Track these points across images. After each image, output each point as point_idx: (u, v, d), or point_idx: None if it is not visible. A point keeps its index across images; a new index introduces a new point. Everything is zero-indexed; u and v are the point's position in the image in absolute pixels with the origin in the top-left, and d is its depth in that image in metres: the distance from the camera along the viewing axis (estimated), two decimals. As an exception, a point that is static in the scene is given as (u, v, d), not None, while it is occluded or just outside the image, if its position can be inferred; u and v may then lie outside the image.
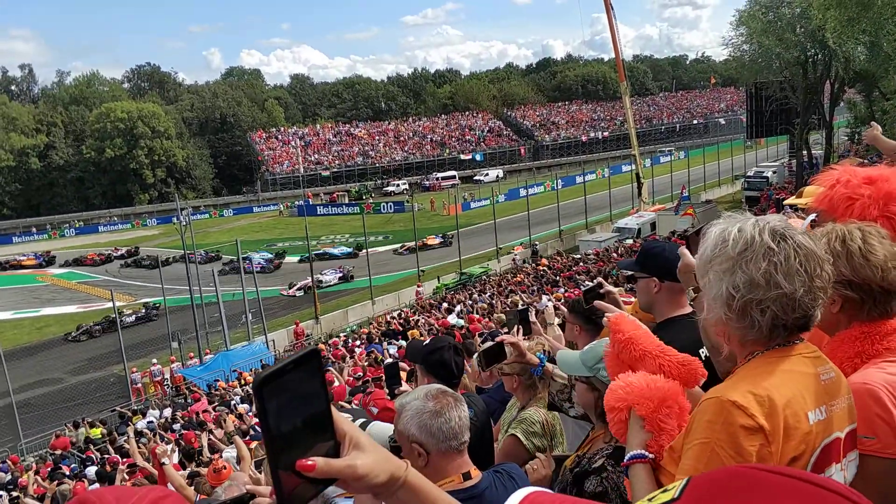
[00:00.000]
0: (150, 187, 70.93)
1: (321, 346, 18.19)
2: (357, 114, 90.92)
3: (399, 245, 38.99)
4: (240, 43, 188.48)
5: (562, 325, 4.48)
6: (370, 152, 77.65)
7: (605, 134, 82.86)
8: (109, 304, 21.73)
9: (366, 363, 13.20)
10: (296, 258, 39.73)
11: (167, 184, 71.51)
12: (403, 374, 5.73)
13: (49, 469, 12.45)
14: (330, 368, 13.47)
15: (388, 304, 27.25)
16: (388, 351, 14.26)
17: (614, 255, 23.07)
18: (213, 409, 13.61)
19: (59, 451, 14.58)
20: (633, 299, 3.29)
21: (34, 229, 62.75)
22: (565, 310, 4.60)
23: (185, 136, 76.95)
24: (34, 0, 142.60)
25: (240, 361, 19.32)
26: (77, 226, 64.05)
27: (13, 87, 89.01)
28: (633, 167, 39.65)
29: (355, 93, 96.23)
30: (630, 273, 2.89)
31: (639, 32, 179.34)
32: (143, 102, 75.74)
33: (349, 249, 38.62)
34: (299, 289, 30.35)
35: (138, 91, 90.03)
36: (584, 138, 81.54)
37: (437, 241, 37.74)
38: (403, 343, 14.48)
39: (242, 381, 15.87)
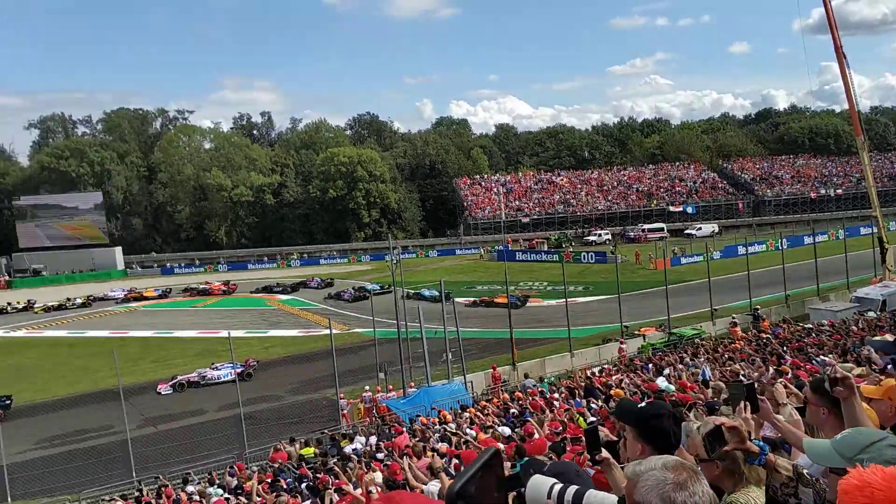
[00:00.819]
0: (366, 226, 77.58)
1: (518, 393, 18.51)
2: (559, 162, 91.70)
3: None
4: (449, 94, 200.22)
5: (800, 409, 4.23)
6: (571, 200, 77.67)
7: (839, 191, 74.88)
8: (327, 331, 24.07)
9: (565, 418, 13.21)
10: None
11: (380, 223, 77.75)
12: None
13: (270, 480, 13.98)
14: (529, 420, 13.70)
15: (587, 357, 26.87)
16: (587, 409, 14.11)
17: (853, 328, 20.65)
18: (414, 443, 14.42)
19: (277, 464, 16.33)
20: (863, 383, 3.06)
21: (266, 258, 71.63)
22: (802, 390, 4.35)
23: (398, 180, 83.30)
24: (275, 57, 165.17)
25: (439, 399, 20.25)
26: (301, 257, 71.79)
27: (255, 132, 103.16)
28: (875, 230, 35.33)
29: (558, 141, 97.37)
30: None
31: (876, 82, 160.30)
32: (363, 148, 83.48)
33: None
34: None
35: (359, 138, 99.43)
36: (812, 195, 74.39)
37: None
38: (603, 403, 14.26)
39: (442, 419, 16.66)
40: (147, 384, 28.66)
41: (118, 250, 70.82)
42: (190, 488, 14.78)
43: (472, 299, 41.96)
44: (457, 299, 33.82)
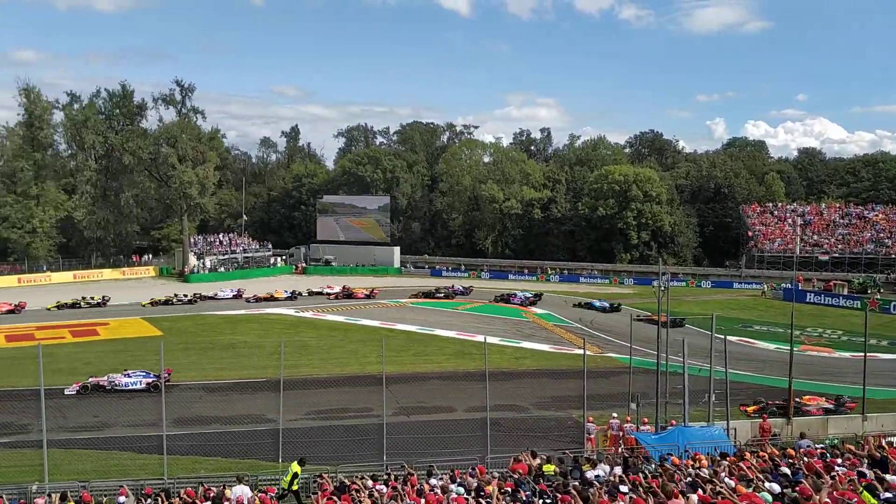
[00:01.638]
0: (633, 248, 75.34)
1: (790, 450, 16.17)
2: (875, 195, 79.97)
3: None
4: (746, 114, 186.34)
5: None
6: (886, 240, 66.78)
7: None
8: (579, 351, 23.66)
9: (848, 488, 11.14)
10: (771, 345, 37.36)
11: (650, 247, 74.88)
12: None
13: (509, 489, 14.01)
14: (803, 481, 11.84)
15: (883, 424, 22.79)
16: (878, 483, 11.70)
17: None
18: (664, 482, 13.37)
19: (517, 475, 16.35)
20: None
21: (526, 271, 73.50)
22: None
23: (675, 202, 79.45)
24: (558, 73, 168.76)
25: (695, 441, 18.59)
26: (561, 273, 72.21)
27: (532, 147, 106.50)
28: None
29: (876, 171, 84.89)
30: None
31: None
32: (640, 167, 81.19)
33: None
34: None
35: (638, 156, 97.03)
36: None
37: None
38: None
39: (697, 465, 15.25)
40: (409, 375, 30.91)
41: (396, 250, 78.48)
42: (433, 481, 15.43)
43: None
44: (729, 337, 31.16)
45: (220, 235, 79.83)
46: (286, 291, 56.96)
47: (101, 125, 73.25)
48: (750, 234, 72.09)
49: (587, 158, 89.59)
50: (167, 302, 52.83)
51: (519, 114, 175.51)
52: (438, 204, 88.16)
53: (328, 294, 57.78)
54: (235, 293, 57.07)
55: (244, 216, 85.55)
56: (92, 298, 52.22)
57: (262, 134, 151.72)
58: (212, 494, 14.97)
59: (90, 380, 29.21)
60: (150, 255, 77.80)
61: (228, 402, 28.11)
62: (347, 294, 57.49)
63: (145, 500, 15.40)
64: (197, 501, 14.81)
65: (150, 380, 28.88)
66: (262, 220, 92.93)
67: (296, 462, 17.45)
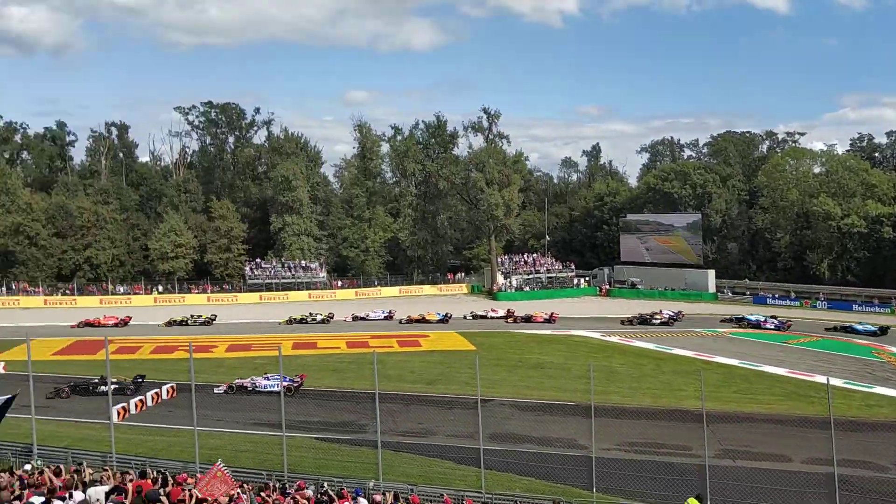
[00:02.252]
0: None
1: None
2: None
3: None
4: None
5: None
6: None
7: None
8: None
9: None
10: None
11: None
12: None
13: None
14: None
15: None
16: None
17: None
18: None
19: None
20: None
21: (876, 301, 62.91)
22: None
23: None
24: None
25: None
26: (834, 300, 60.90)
27: (877, 155, 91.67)
28: None
29: None
30: None
31: None
32: None
33: None
34: None
35: None
36: None
37: None
38: None
39: None
40: (731, 414, 28.36)
41: (711, 273, 73.19)
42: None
43: None
44: None
45: (525, 255, 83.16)
46: (438, 314, 57.26)
47: (419, 154, 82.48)
48: None
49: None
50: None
51: (857, 116, 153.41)
52: (759, 222, 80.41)
53: (492, 317, 58.22)
54: (387, 314, 58.94)
55: (546, 236, 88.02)
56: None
57: (564, 154, 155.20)
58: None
59: (236, 381, 34.05)
60: (463, 273, 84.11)
61: (540, 423, 28.75)
62: (526, 318, 56.69)
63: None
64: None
65: (286, 383, 30.66)
66: (564, 239, 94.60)
67: (693, 498, 16.74)
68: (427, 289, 77.53)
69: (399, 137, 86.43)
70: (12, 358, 38.55)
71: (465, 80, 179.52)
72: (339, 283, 77.80)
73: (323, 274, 77.17)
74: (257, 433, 26.63)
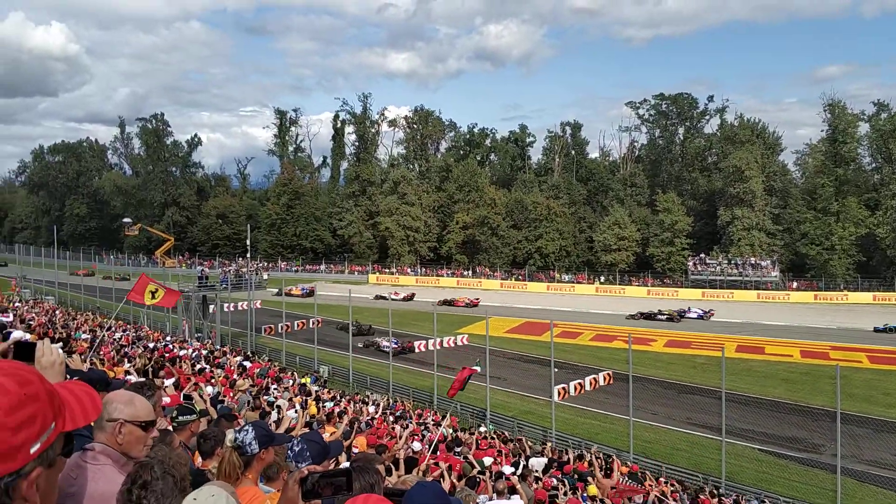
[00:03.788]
0: None
1: None
2: None
3: None
4: None
5: None
6: None
7: None
8: None
9: None
10: None
11: None
12: None
13: None
14: None
15: None
16: None
17: None
18: None
19: None
20: None
21: None
22: None
23: None
24: None
25: None
26: None
27: None
28: None
29: None
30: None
31: None
32: None
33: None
34: None
35: None
36: None
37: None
38: None
39: None
40: None
41: None
42: None
43: None
44: None
45: None
46: None
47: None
48: None
49: None
50: None
51: None
52: None
53: None
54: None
55: None
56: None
57: None
58: None
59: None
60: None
61: None
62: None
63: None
64: None
65: None
66: None
67: None
68: (912, 298, 64.90)
69: (883, 115, 74.25)
70: (474, 332, 44.97)
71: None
72: (794, 284, 70.65)
73: (775, 273, 71.12)
74: (694, 433, 26.01)
